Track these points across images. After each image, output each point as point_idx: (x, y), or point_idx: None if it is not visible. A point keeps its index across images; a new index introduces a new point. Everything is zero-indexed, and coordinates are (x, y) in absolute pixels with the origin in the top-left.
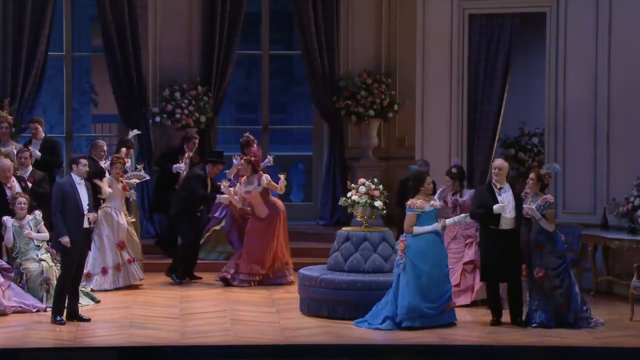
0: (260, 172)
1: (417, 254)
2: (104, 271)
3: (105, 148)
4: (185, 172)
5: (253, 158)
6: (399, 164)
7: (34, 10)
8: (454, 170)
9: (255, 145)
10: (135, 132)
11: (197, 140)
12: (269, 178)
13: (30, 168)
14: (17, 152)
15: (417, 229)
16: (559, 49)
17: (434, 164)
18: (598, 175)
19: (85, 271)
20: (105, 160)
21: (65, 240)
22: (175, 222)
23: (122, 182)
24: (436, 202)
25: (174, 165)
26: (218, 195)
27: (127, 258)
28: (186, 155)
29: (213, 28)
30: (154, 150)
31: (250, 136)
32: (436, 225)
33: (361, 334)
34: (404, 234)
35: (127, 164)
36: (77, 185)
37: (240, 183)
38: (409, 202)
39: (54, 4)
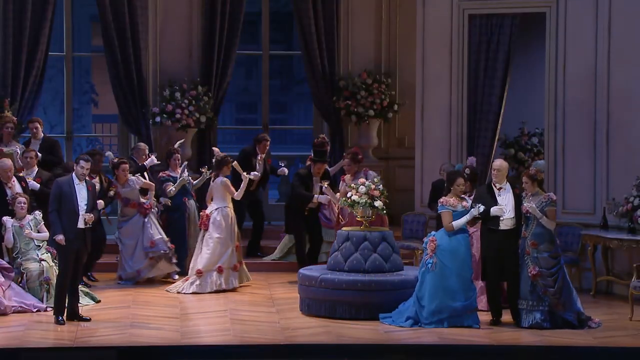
0: (366, 168)
1: (447, 254)
2: (220, 270)
3: (147, 151)
4: (260, 174)
5: (359, 157)
6: (399, 164)
7: (34, 10)
8: (467, 171)
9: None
10: (180, 142)
11: (267, 142)
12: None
13: (36, 168)
14: (22, 152)
15: (456, 223)
16: (559, 49)
17: (434, 164)
18: (598, 175)
19: (198, 267)
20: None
21: (60, 238)
22: (287, 223)
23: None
24: (467, 204)
25: (252, 173)
26: (316, 196)
27: (234, 263)
28: (259, 157)
29: (213, 28)
30: (153, 150)
31: (326, 137)
32: (474, 211)
33: (361, 334)
34: (433, 233)
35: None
36: (75, 185)
37: (343, 181)
38: (441, 200)
39: (54, 4)
